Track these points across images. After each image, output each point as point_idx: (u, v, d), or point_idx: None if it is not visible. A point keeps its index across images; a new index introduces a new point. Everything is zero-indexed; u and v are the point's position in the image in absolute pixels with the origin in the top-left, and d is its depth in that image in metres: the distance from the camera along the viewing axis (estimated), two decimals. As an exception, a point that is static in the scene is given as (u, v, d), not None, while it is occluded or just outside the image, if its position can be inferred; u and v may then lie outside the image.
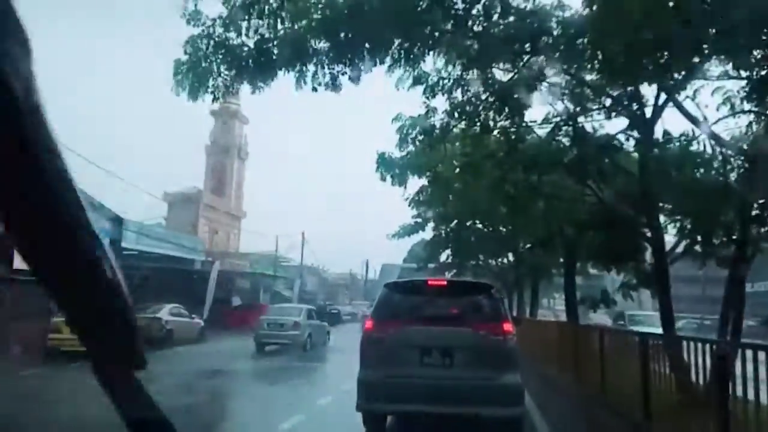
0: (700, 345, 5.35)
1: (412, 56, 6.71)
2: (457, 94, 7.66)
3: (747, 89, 5.69)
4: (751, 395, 3.84)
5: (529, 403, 7.25)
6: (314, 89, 6.71)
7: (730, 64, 6.40)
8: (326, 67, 6.48)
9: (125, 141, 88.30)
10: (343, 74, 6.70)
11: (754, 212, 6.18)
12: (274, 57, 6.31)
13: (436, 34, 6.67)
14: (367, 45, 6.32)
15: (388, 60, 6.69)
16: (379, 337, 6.51)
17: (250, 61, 6.37)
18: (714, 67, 7.24)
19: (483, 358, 6.19)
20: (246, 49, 6.38)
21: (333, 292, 58.04)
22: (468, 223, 20.08)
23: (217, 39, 6.34)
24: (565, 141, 7.45)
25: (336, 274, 64.46)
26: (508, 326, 6.39)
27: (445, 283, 7.45)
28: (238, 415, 9.50)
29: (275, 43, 6.11)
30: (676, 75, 6.30)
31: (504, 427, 6.09)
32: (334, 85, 6.73)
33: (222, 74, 6.71)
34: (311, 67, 6.46)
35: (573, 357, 9.68)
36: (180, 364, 15.56)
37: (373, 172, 10.70)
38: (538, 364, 12.56)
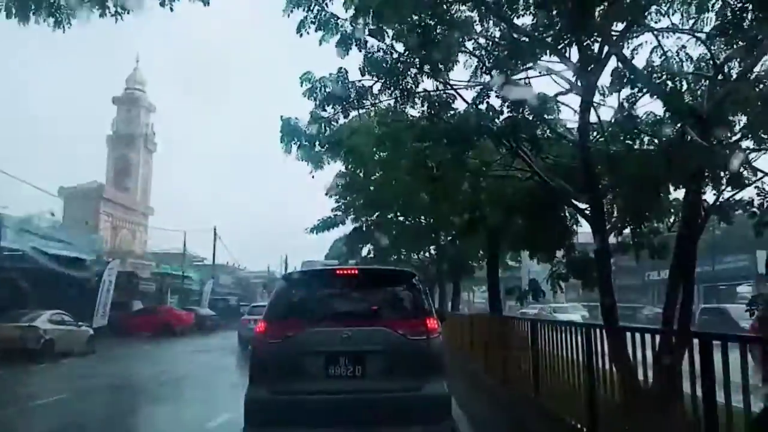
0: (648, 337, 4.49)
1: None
2: (372, 47, 6.39)
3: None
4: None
5: (456, 411, 6.14)
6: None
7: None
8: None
9: (17, 134, 79.93)
10: None
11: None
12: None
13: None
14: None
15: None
16: (272, 343, 5.14)
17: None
18: (654, 23, 6.55)
19: (402, 364, 5.00)
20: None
21: (250, 291, 55.47)
22: (390, 216, 19.14)
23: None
24: (496, 105, 6.43)
25: (253, 272, 61.74)
26: (432, 323, 5.22)
27: (356, 272, 6.14)
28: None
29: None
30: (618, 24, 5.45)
31: None
32: None
33: None
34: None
35: (500, 354, 8.84)
36: (50, 381, 13.32)
37: (293, 160, 9.17)
38: (466, 363, 11.72)
